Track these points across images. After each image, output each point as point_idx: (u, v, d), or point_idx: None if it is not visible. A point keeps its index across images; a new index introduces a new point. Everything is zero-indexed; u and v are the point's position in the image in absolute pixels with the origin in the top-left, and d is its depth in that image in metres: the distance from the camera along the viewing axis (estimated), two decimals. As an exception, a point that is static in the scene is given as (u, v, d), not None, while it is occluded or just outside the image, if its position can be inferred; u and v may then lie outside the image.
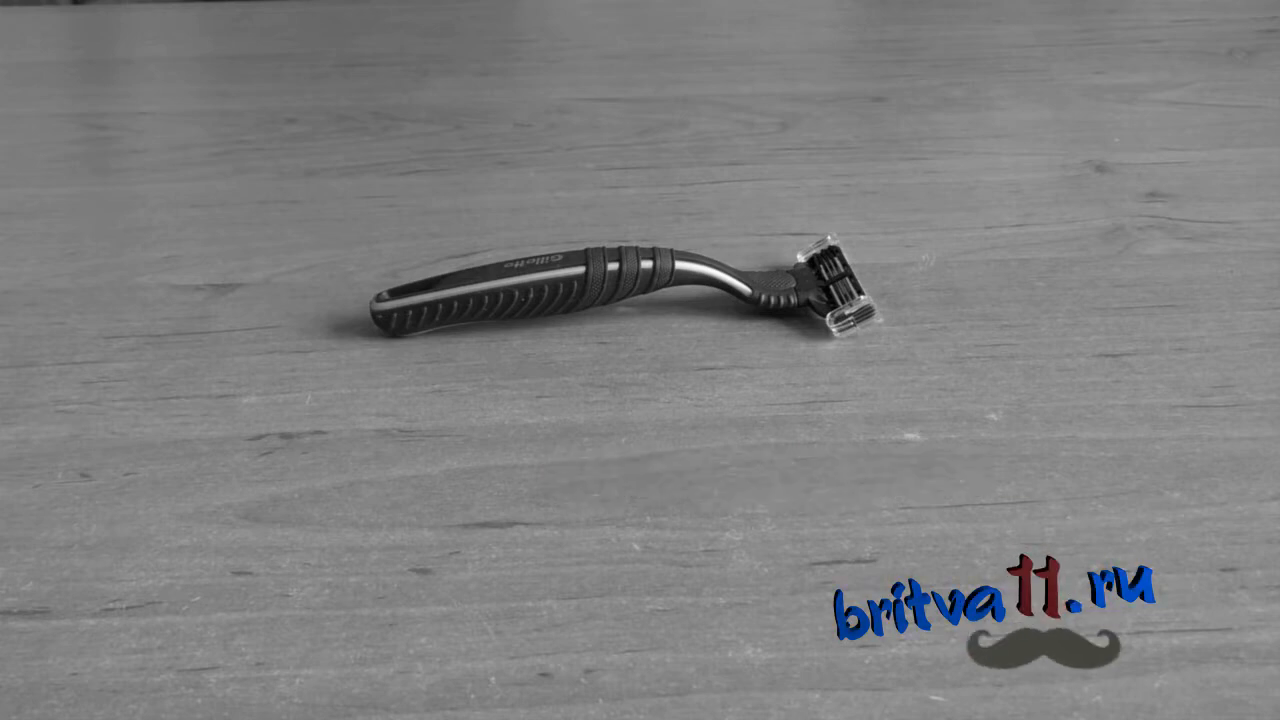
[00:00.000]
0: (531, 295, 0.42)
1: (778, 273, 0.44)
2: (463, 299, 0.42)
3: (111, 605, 0.33)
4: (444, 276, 0.42)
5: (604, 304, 0.43)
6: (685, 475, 0.37)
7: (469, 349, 0.42)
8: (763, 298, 0.43)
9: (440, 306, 0.42)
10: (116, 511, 0.36)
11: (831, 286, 0.43)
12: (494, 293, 0.42)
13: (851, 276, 0.43)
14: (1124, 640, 0.32)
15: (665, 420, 0.39)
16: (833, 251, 0.45)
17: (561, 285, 0.42)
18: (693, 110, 0.57)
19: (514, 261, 0.42)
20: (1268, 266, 0.46)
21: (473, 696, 0.31)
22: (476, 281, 0.42)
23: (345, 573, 0.34)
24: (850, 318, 0.42)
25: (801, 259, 0.45)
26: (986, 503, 0.36)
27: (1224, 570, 0.34)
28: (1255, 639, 0.32)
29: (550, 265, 0.42)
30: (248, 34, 0.58)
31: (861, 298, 0.42)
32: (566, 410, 0.40)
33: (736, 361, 0.42)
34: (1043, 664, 0.31)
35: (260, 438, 0.39)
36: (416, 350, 0.42)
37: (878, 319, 0.42)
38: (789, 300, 0.43)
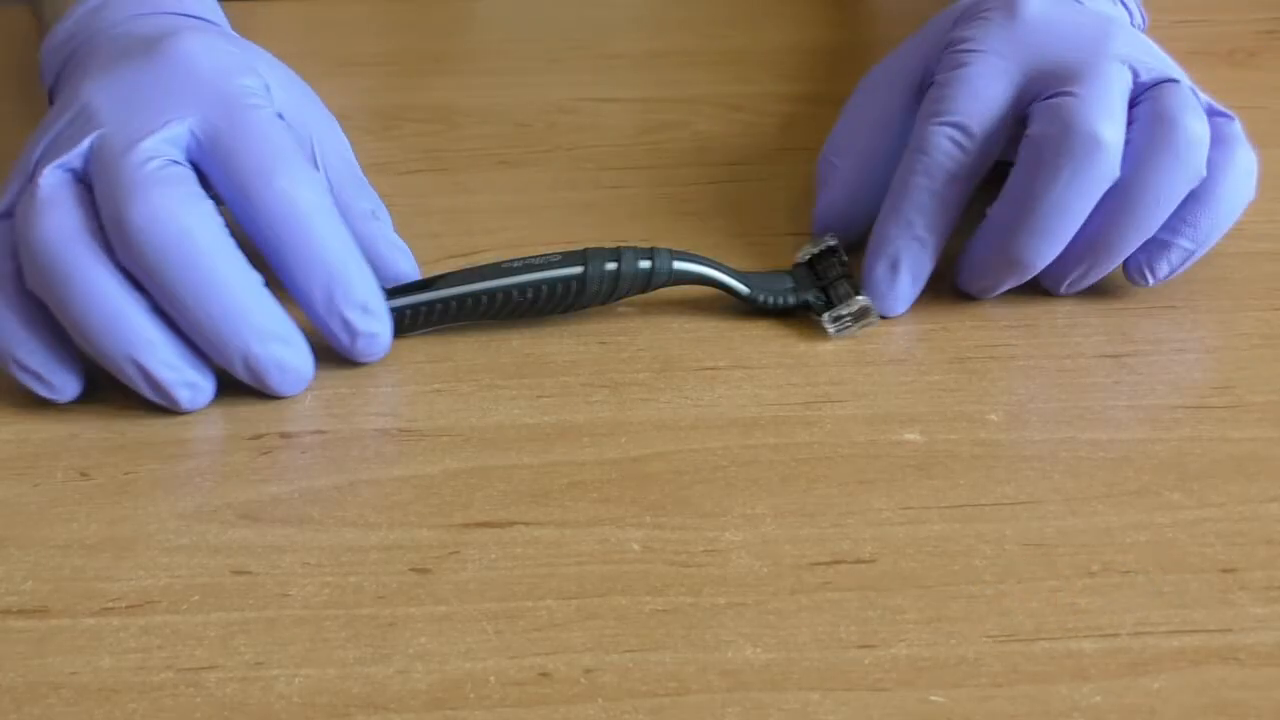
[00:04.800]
0: (530, 295, 0.42)
1: (777, 274, 0.44)
2: (460, 298, 0.42)
3: (111, 604, 0.33)
4: (442, 276, 0.42)
5: (603, 303, 0.43)
6: (685, 475, 0.37)
7: (469, 349, 0.42)
8: (760, 297, 0.43)
9: (438, 306, 0.42)
10: (116, 511, 0.36)
11: (829, 287, 0.43)
12: (492, 292, 0.42)
13: (850, 277, 0.43)
14: (1124, 641, 0.32)
15: (665, 420, 0.39)
16: (831, 251, 0.44)
17: (560, 285, 0.42)
18: (693, 110, 0.57)
19: (512, 261, 0.42)
20: (1268, 266, 0.46)
21: (472, 696, 0.31)
22: (474, 281, 0.42)
23: (345, 572, 0.34)
24: (847, 318, 0.42)
25: (801, 259, 0.45)
26: (986, 503, 0.36)
27: (1224, 571, 0.34)
28: (1255, 640, 0.32)
29: (548, 265, 0.42)
30: (248, 34, 0.58)
31: (859, 298, 0.42)
32: (566, 410, 0.40)
33: (736, 361, 0.42)
34: (1043, 665, 0.32)
35: (260, 437, 0.39)
36: (416, 350, 0.42)
37: (874, 320, 0.42)
38: (786, 300, 0.43)
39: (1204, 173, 0.40)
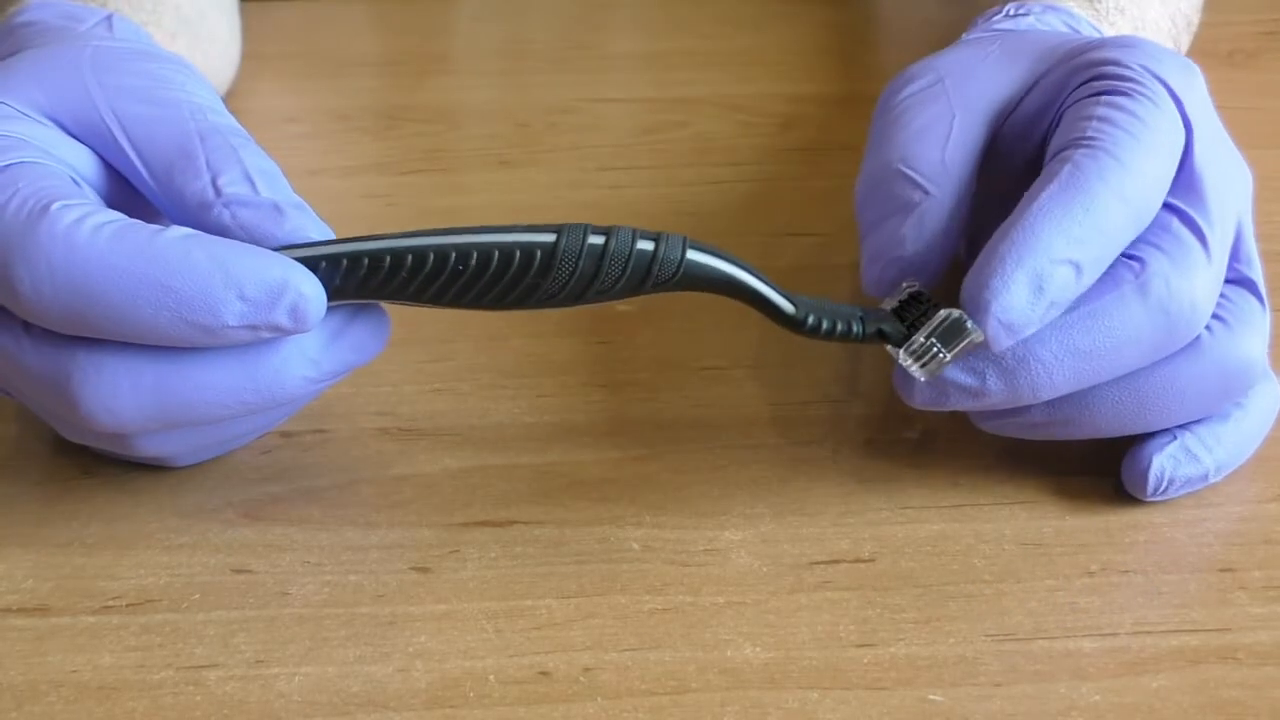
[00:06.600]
0: (475, 263, 0.31)
1: (840, 305, 0.34)
2: (376, 256, 0.32)
3: (111, 603, 0.34)
4: (371, 236, 0.33)
5: (578, 299, 0.32)
6: (685, 475, 0.37)
7: (469, 349, 0.42)
8: (810, 319, 0.32)
9: (362, 263, 0.32)
10: (116, 509, 0.36)
11: (914, 324, 0.33)
12: (422, 252, 0.31)
13: (937, 305, 0.33)
14: (1122, 640, 0.32)
15: (665, 420, 0.39)
16: (916, 299, 0.34)
17: (519, 254, 0.31)
18: (693, 110, 0.57)
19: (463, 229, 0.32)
20: (1268, 268, 0.45)
21: (471, 695, 0.31)
22: (404, 239, 0.32)
23: (345, 571, 0.34)
24: (933, 346, 0.32)
25: (886, 306, 0.35)
26: (986, 503, 0.36)
27: (1222, 571, 0.34)
28: (1254, 639, 0.32)
29: (510, 229, 0.31)
30: (248, 34, 0.58)
31: (944, 311, 0.32)
32: (566, 410, 0.40)
33: (736, 361, 0.41)
34: (1041, 664, 0.32)
35: (260, 437, 0.39)
36: (417, 350, 0.42)
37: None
38: (849, 328, 0.33)
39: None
